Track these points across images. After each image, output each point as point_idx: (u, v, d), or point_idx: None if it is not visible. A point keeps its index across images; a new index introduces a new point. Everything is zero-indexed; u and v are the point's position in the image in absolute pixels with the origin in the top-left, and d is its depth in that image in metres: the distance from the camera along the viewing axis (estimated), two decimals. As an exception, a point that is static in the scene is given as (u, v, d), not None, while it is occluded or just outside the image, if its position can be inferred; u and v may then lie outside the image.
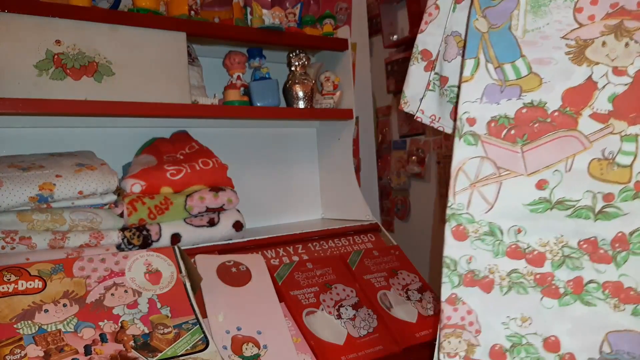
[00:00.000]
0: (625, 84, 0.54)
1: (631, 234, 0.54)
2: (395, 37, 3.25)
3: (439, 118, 0.72)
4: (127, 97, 1.03)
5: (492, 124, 0.58)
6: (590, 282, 0.56)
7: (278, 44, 1.28)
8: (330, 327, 1.00)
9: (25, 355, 0.76)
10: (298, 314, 1.00)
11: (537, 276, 0.57)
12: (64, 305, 0.83)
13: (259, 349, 0.91)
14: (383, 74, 3.30)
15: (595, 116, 0.55)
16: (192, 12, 1.17)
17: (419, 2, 3.04)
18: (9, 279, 0.82)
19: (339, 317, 1.03)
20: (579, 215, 0.56)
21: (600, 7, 0.56)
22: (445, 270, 0.60)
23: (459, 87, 0.62)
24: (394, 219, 3.45)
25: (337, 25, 1.41)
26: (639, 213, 0.55)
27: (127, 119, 1.16)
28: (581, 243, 0.56)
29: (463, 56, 0.62)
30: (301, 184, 1.54)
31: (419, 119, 0.74)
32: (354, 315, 1.04)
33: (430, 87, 0.72)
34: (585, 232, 0.56)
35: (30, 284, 0.83)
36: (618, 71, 0.55)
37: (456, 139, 0.59)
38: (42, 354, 0.76)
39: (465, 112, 0.58)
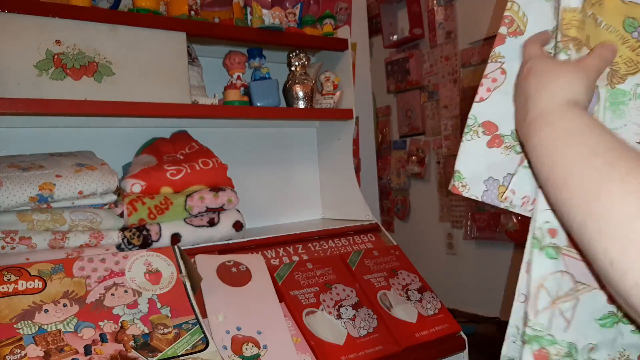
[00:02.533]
0: None
1: None
2: (395, 37, 3.25)
3: (533, 200, 0.60)
4: (127, 97, 1.03)
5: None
6: None
7: (278, 44, 1.29)
8: (330, 327, 1.00)
9: (25, 355, 0.76)
10: (298, 314, 1.00)
11: None
12: (64, 305, 0.83)
13: (259, 349, 0.91)
14: (383, 74, 3.30)
15: None
16: (192, 12, 1.17)
17: (419, 2, 3.04)
18: (9, 279, 0.82)
19: (339, 317, 1.03)
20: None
21: None
22: None
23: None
24: (394, 219, 3.45)
25: (337, 25, 1.41)
26: None
27: (127, 119, 1.16)
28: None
29: None
30: (301, 184, 1.54)
31: (506, 201, 0.62)
32: (354, 315, 1.04)
33: (525, 164, 0.60)
34: None
35: (30, 284, 0.83)
36: None
37: (535, 250, 0.53)
38: (42, 354, 0.76)
39: (547, 222, 0.52)
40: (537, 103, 0.50)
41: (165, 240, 1.05)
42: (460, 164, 0.63)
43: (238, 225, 1.14)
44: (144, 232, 1.03)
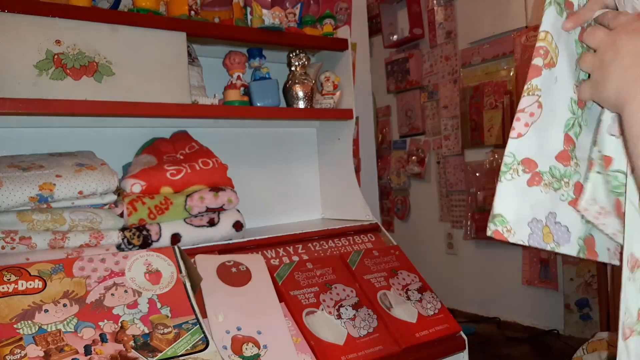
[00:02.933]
0: None
1: None
2: (395, 37, 3.25)
3: (607, 212, 0.57)
4: (127, 97, 1.03)
5: None
6: None
7: (278, 44, 1.29)
8: (330, 327, 1.00)
9: (25, 355, 0.76)
10: (298, 314, 1.00)
11: None
12: (64, 305, 0.83)
13: (259, 349, 0.91)
14: (383, 74, 3.31)
15: None
16: (192, 12, 1.17)
17: (418, 2, 3.04)
18: (9, 279, 0.82)
19: (339, 317, 1.03)
20: None
21: None
22: None
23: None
24: (394, 219, 3.45)
25: (337, 25, 1.41)
26: None
27: (127, 119, 1.16)
28: None
29: None
30: (301, 184, 1.54)
31: (585, 212, 0.58)
32: (354, 315, 1.04)
33: (596, 169, 0.57)
34: None
35: (30, 284, 0.83)
36: None
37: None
38: (42, 354, 0.76)
39: None
40: None
41: (165, 240, 1.05)
42: (501, 207, 0.58)
43: (238, 225, 1.14)
44: (144, 232, 1.03)
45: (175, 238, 1.06)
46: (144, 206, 1.04)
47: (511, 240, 0.57)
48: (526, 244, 0.58)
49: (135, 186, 1.04)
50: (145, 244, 1.02)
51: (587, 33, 0.57)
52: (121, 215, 1.02)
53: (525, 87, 0.58)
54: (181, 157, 1.17)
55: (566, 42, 0.59)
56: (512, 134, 0.58)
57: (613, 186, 0.57)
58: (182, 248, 1.00)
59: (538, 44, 0.58)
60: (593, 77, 0.56)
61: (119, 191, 1.05)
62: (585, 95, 0.58)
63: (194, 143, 1.23)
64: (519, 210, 0.58)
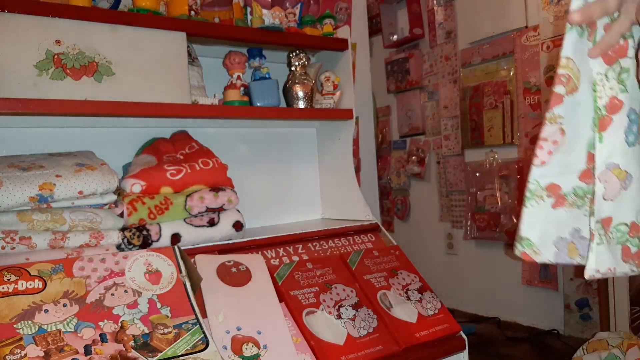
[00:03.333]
0: None
1: None
2: (395, 37, 3.25)
3: (614, 268, 0.60)
4: (127, 97, 1.03)
5: None
6: None
7: (278, 44, 1.29)
8: (330, 327, 1.00)
9: (25, 355, 0.76)
10: (298, 314, 1.00)
11: None
12: (64, 305, 0.83)
13: (259, 349, 0.91)
14: (383, 74, 3.30)
15: None
16: (192, 12, 1.17)
17: (418, 2, 3.04)
18: (9, 279, 0.82)
19: (339, 317, 1.03)
20: None
21: None
22: None
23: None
24: (394, 219, 3.45)
25: (337, 25, 1.41)
26: None
27: (127, 119, 1.16)
28: None
29: None
30: (301, 184, 1.54)
31: (596, 275, 0.60)
32: (354, 315, 1.04)
33: (597, 240, 0.60)
34: None
35: (30, 284, 0.83)
36: None
37: None
38: (42, 354, 0.76)
39: None
40: None
41: (165, 240, 1.05)
42: (527, 231, 0.61)
43: (238, 225, 1.14)
44: (144, 232, 1.03)
45: (175, 238, 1.06)
46: (144, 206, 1.04)
47: (538, 260, 0.61)
48: (553, 262, 0.61)
49: (135, 186, 1.04)
50: (145, 244, 1.02)
51: None
52: (121, 215, 1.02)
53: (547, 115, 0.59)
54: (181, 157, 1.17)
55: (587, 66, 0.58)
56: (535, 161, 0.60)
57: (618, 240, 0.60)
58: (182, 248, 1.00)
59: (559, 70, 0.58)
60: None
61: (119, 191, 1.05)
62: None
63: (194, 143, 1.23)
64: (544, 232, 0.61)
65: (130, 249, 1.00)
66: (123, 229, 1.01)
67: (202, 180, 1.12)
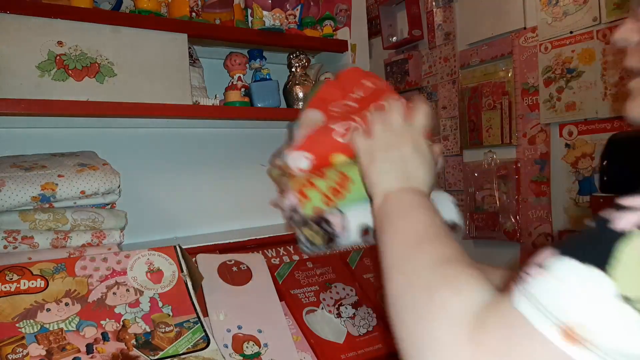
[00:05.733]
0: None
1: None
2: (394, 38, 3.25)
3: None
4: (128, 97, 1.03)
5: None
6: None
7: (278, 45, 1.29)
8: (330, 325, 1.01)
9: (27, 354, 0.76)
10: (298, 313, 1.00)
11: None
12: (66, 304, 0.84)
13: (260, 348, 0.92)
14: (382, 75, 3.31)
15: None
16: (194, 14, 1.17)
17: (418, 3, 3.05)
18: (11, 278, 0.83)
19: (339, 315, 1.03)
20: None
21: None
22: None
23: None
24: (393, 219, 3.46)
25: (336, 26, 1.42)
26: None
27: (128, 120, 1.16)
28: None
29: None
30: (301, 184, 1.54)
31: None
32: (354, 314, 1.05)
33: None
34: None
35: (33, 283, 0.84)
36: None
37: None
38: (44, 352, 0.77)
39: None
40: None
41: (353, 235, 0.66)
42: None
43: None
44: (326, 226, 0.65)
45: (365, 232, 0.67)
46: (315, 191, 0.65)
47: None
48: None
49: (302, 162, 0.67)
50: (330, 240, 0.66)
51: None
52: (295, 209, 0.66)
53: None
54: (352, 105, 0.74)
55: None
56: None
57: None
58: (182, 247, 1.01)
59: None
60: None
61: (283, 170, 0.72)
62: None
63: (366, 80, 0.76)
64: None
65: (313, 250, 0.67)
66: (302, 225, 0.65)
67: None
